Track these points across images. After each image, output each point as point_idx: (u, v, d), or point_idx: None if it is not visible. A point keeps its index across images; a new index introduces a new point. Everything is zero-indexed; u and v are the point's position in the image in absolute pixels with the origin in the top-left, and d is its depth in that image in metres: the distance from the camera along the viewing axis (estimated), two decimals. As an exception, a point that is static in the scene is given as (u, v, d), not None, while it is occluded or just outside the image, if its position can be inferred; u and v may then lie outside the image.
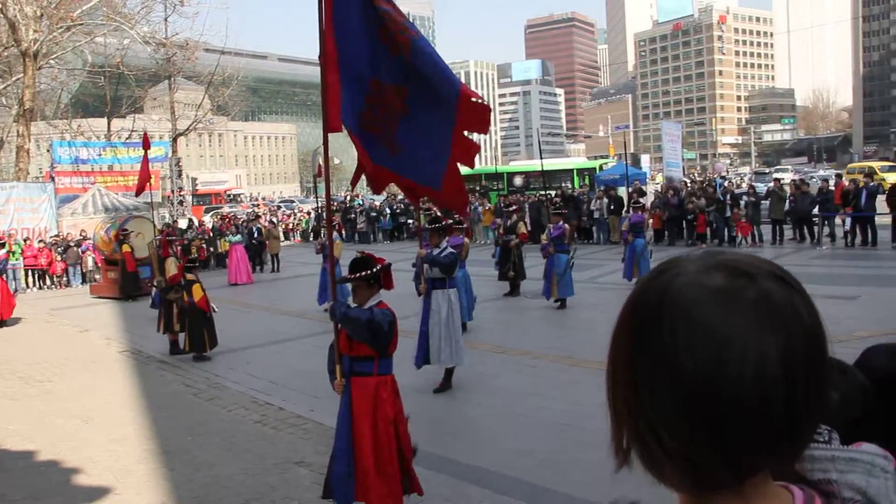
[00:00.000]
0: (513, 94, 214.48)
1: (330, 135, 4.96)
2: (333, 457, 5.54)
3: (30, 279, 23.70)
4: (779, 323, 0.82)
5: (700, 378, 0.80)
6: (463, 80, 5.38)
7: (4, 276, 17.22)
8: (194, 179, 60.31)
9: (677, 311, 0.83)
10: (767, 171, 64.26)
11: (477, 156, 5.50)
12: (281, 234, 23.79)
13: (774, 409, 0.81)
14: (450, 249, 9.55)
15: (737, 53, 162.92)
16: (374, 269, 5.53)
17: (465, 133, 5.33)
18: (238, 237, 22.59)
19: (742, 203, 22.87)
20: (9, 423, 8.64)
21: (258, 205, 47.36)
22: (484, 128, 5.37)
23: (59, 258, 23.67)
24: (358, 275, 5.49)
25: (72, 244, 23.99)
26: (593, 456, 6.64)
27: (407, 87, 5.03)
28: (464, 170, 5.52)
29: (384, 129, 5.20)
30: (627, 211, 18.97)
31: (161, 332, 12.63)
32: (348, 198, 40.96)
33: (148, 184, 14.36)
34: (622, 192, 26.02)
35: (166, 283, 12.41)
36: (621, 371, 0.90)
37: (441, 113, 5.19)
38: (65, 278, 23.92)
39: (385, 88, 5.06)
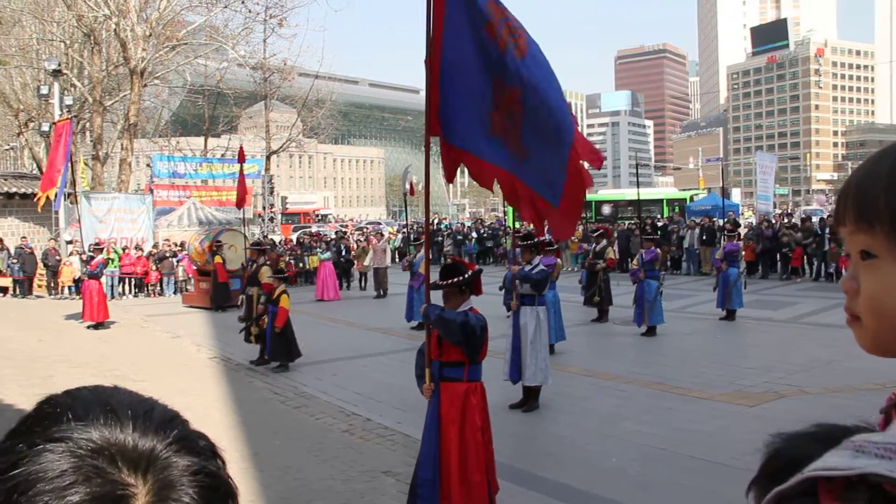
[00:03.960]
0: (601, 125, 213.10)
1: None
2: (419, 462, 5.48)
3: (126, 286, 24.50)
4: None
5: None
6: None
7: (101, 281, 17.77)
8: (284, 199, 61.65)
9: None
10: None
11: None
12: (370, 252, 24.03)
13: None
14: (542, 267, 9.46)
15: (834, 87, 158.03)
16: (466, 275, 5.48)
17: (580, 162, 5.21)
18: (328, 254, 22.88)
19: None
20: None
21: (346, 225, 48.06)
22: (596, 161, 5.28)
23: (154, 268, 24.42)
24: (450, 281, 5.45)
25: (167, 255, 24.73)
26: (690, 481, 6.41)
27: (521, 91, 4.91)
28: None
29: (511, 132, 5.07)
30: (720, 241, 18.52)
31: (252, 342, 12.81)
32: (436, 220, 41.19)
33: (246, 197, 14.71)
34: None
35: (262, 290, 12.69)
36: None
37: (555, 127, 5.05)
38: (159, 287, 24.64)
39: (506, 89, 4.95)
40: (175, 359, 12.99)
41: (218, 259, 20.04)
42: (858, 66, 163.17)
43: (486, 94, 4.96)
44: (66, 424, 0.73)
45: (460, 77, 4.95)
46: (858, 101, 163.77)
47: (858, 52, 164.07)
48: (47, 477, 0.68)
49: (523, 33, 4.92)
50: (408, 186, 22.92)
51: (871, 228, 0.86)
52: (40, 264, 23.92)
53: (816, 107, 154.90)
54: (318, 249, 24.93)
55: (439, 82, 4.94)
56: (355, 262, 25.18)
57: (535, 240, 9.63)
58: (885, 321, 0.88)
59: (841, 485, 0.74)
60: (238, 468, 6.98)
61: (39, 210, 21.90)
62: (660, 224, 28.53)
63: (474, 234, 34.39)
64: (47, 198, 19.40)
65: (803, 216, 32.48)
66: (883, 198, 0.85)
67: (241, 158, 16.58)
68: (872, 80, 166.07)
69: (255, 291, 12.98)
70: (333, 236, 29.04)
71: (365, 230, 33.76)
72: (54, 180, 19.02)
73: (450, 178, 5.28)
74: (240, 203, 16.66)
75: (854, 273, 0.90)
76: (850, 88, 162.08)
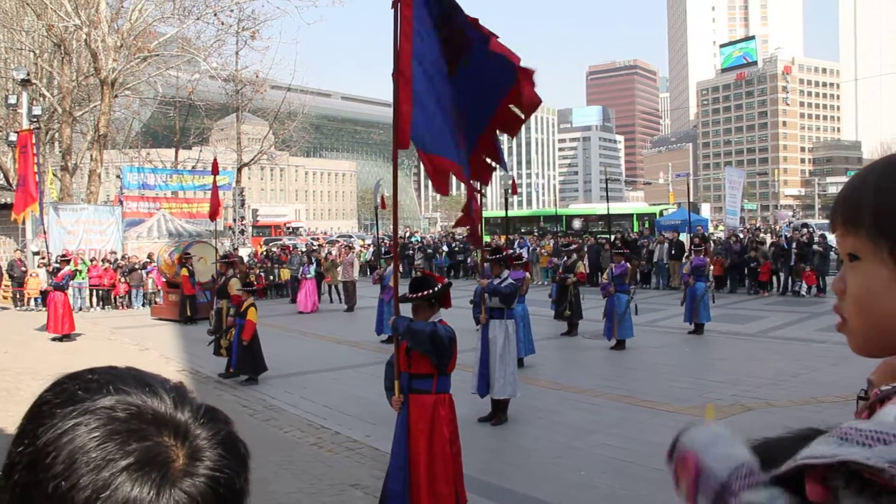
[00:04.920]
0: (572, 140, 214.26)
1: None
2: (388, 475, 5.50)
3: (93, 299, 24.22)
4: None
5: None
6: (522, 127, 5.50)
7: (69, 292, 17.57)
8: (255, 211, 61.34)
9: None
10: None
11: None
12: (340, 266, 23.92)
13: None
14: (510, 280, 9.52)
15: (801, 104, 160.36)
16: (436, 288, 5.51)
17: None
18: (312, 272, 22.66)
19: (813, 253, 22.28)
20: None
21: (318, 238, 47.94)
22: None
23: (122, 280, 24.16)
24: (419, 294, 5.48)
25: (137, 267, 24.48)
26: (657, 494, 6.45)
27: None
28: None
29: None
30: (688, 255, 18.70)
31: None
32: (407, 234, 41.19)
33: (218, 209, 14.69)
34: (683, 237, 25.74)
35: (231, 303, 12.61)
36: None
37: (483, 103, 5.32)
38: (127, 300, 24.38)
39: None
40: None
41: (184, 272, 19.87)
42: (824, 84, 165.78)
43: (447, 106, 5.12)
44: (111, 395, 0.83)
45: (430, 87, 5.01)
46: (825, 117, 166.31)
47: (825, 70, 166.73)
48: (104, 437, 0.78)
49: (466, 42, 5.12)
50: (379, 200, 22.92)
51: (857, 232, 0.94)
52: (6, 275, 23.60)
53: (784, 123, 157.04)
54: (300, 265, 24.60)
55: (412, 93, 4.97)
56: (326, 274, 25.08)
57: (504, 254, 9.70)
58: (869, 320, 0.95)
59: (825, 468, 0.80)
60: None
61: (20, 223, 21.65)
62: (630, 238, 28.75)
63: (445, 248, 34.44)
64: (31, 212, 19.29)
65: (797, 227, 32.69)
66: (866, 204, 0.93)
67: (215, 170, 16.50)
68: (838, 97, 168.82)
69: (224, 304, 12.93)
70: (304, 249, 28.91)
71: (338, 243, 33.66)
72: (34, 195, 18.86)
73: (443, 189, 5.23)
74: (213, 215, 16.55)
75: (843, 274, 0.98)
76: (817, 105, 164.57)
